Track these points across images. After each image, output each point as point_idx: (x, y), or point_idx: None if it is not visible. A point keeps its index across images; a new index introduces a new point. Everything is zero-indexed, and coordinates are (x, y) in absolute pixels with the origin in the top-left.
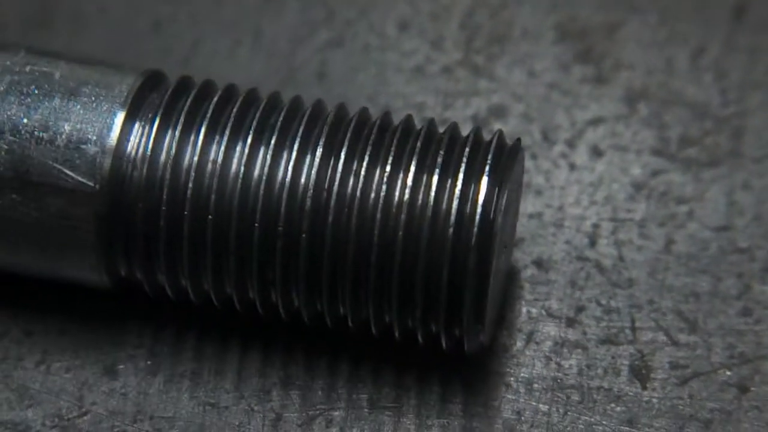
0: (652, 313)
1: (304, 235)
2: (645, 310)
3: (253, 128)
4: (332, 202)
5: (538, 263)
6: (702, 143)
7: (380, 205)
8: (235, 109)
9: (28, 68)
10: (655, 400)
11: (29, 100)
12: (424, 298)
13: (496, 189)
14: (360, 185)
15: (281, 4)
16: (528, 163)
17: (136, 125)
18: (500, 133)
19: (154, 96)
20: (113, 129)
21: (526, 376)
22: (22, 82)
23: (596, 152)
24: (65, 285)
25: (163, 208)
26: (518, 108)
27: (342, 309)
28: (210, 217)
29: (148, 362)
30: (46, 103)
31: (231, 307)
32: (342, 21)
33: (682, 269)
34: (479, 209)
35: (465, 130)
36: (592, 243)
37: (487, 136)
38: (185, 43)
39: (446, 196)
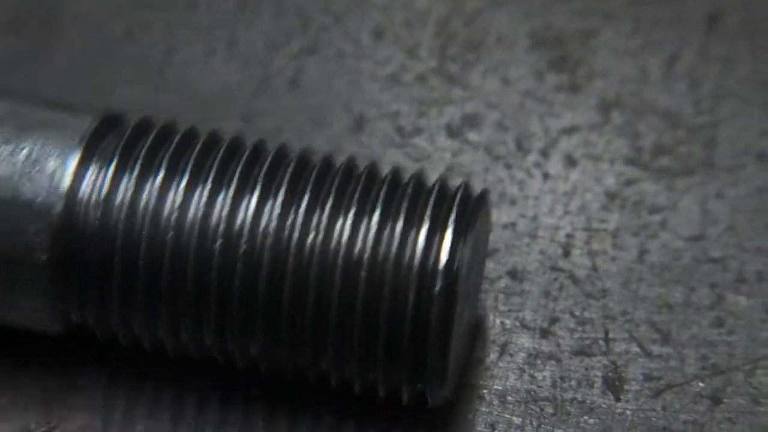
0: (625, 324)
1: (262, 285)
2: (618, 321)
3: (213, 173)
4: (292, 252)
5: (512, 274)
6: (675, 152)
7: (341, 256)
8: (194, 153)
9: None
10: (628, 412)
11: None
12: (385, 353)
13: (460, 241)
14: (321, 235)
15: (256, 12)
16: (502, 173)
17: (91, 168)
18: (465, 184)
19: (111, 138)
20: (67, 172)
21: (500, 388)
22: None
23: (570, 161)
24: (18, 329)
25: (117, 254)
26: (493, 116)
27: (302, 361)
28: (167, 263)
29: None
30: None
31: (187, 355)
32: (316, 29)
33: (655, 279)
34: (442, 261)
35: (440, 139)
36: (566, 253)
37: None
38: (159, 50)
39: (409, 248)
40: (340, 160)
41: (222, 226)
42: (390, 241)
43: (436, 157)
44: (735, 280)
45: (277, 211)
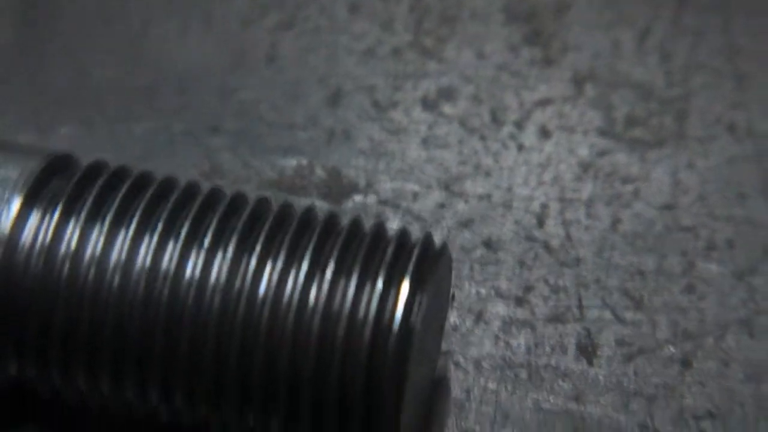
0: (598, 292)
1: (209, 342)
2: (592, 288)
3: (162, 222)
4: (241, 305)
5: (487, 244)
6: (648, 124)
7: (293, 310)
8: (144, 201)
9: None
10: (601, 377)
11: None
12: (337, 414)
13: (417, 295)
14: (273, 288)
15: None
16: (477, 145)
17: (34, 214)
18: (427, 235)
19: (57, 182)
20: (9, 216)
21: (475, 355)
22: None
23: (544, 133)
24: None
25: (59, 305)
26: (468, 89)
27: (250, 421)
28: (111, 317)
29: None
30: None
31: (131, 415)
32: (292, 3)
33: (628, 248)
34: (397, 316)
35: (415, 112)
36: (541, 223)
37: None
38: (135, 25)
39: (364, 302)
40: (297, 203)
41: (169, 279)
42: (344, 296)
43: (412, 130)
44: (706, 247)
45: (227, 263)
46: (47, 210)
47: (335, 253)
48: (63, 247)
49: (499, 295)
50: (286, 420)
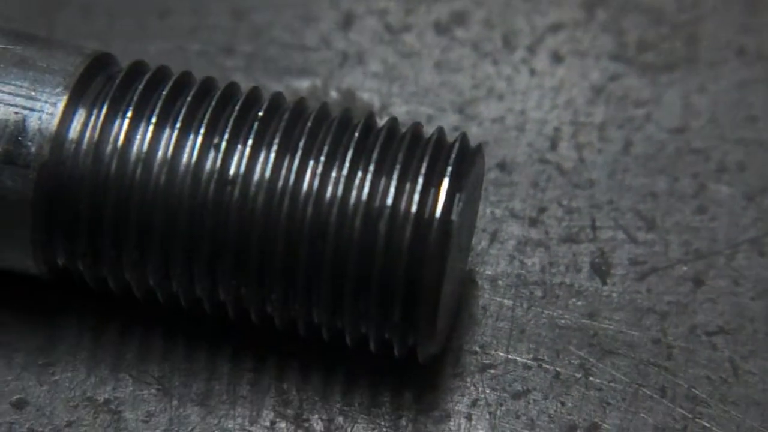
0: (611, 213)
1: (255, 234)
2: (605, 209)
3: (206, 120)
4: (286, 202)
5: (501, 166)
6: (659, 48)
7: (336, 207)
8: (188, 99)
9: None
10: (614, 295)
11: None
12: (378, 306)
13: (456, 194)
14: (316, 185)
15: None
16: (490, 69)
17: (80, 110)
18: (463, 136)
19: (101, 79)
20: (56, 112)
21: (491, 273)
22: None
23: (556, 58)
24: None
25: (108, 198)
26: (479, 14)
27: (293, 312)
28: (159, 209)
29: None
30: None
31: (177, 304)
32: None
33: (640, 170)
34: (437, 214)
35: (428, 36)
36: (554, 146)
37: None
38: None
39: (404, 200)
40: (335, 110)
41: (216, 174)
42: (385, 193)
43: (425, 54)
44: (716, 169)
45: (271, 159)
46: (93, 108)
47: (375, 153)
48: (110, 144)
49: (514, 215)
50: (328, 315)
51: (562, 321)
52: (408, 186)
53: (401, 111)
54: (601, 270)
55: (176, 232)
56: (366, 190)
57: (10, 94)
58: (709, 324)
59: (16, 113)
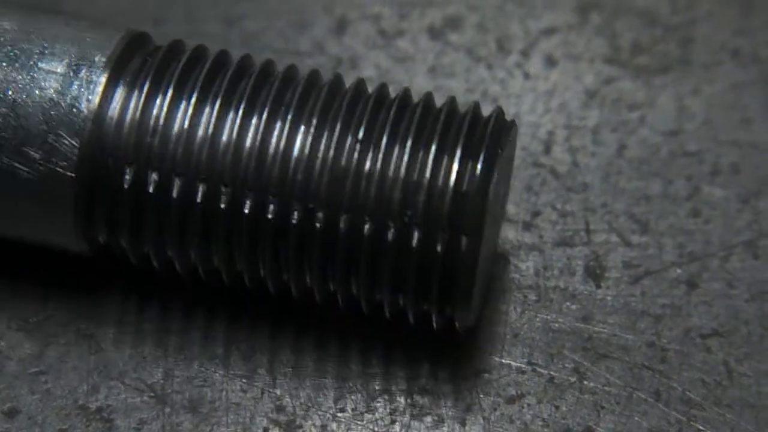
0: (605, 216)
1: (296, 210)
2: (599, 213)
3: (245, 97)
4: (325, 177)
5: None
6: (653, 51)
7: (375, 181)
8: (227, 77)
9: (7, 25)
10: (609, 298)
11: (11, 58)
12: (416, 278)
13: (493, 166)
14: (355, 159)
15: None
16: (484, 73)
17: (121, 88)
18: (499, 110)
19: (139, 58)
20: (97, 89)
21: None
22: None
23: (550, 61)
24: (47, 250)
25: (151, 176)
26: (473, 18)
27: (332, 285)
28: (200, 185)
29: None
30: (26, 62)
31: (219, 280)
32: None
33: (634, 173)
34: (475, 188)
35: (422, 41)
36: (547, 149)
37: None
38: None
39: (442, 173)
40: (371, 86)
41: (255, 150)
42: (424, 166)
43: (419, 59)
44: (710, 172)
45: (309, 136)
46: (134, 85)
47: (413, 127)
48: (152, 120)
49: (508, 219)
50: (367, 288)
51: (556, 325)
52: (445, 159)
53: None
54: (595, 273)
55: (217, 209)
56: (404, 163)
57: (50, 71)
58: (704, 327)
59: (58, 89)
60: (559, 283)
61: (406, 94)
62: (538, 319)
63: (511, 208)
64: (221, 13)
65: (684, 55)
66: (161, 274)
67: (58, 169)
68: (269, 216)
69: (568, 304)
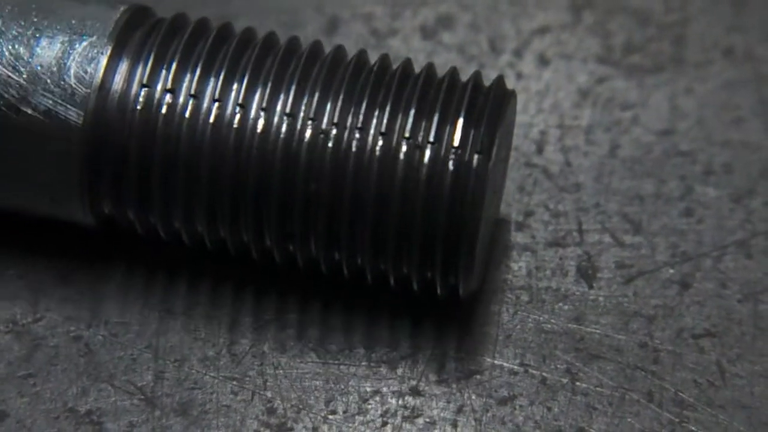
0: (598, 216)
1: (301, 179)
2: (591, 213)
3: (249, 69)
4: (329, 146)
5: None
6: (645, 50)
7: (378, 151)
8: (231, 49)
9: None
10: (601, 299)
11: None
12: (420, 246)
13: (494, 133)
14: (358, 128)
15: None
16: None
17: (125, 60)
18: (500, 78)
19: (142, 31)
20: (101, 63)
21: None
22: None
23: (543, 61)
24: (53, 222)
25: (157, 145)
26: (466, 18)
27: (337, 255)
28: (206, 157)
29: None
30: (30, 35)
31: (224, 250)
32: None
33: (626, 173)
34: (476, 157)
35: (414, 41)
36: (540, 149)
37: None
38: None
39: (445, 140)
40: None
41: (260, 121)
42: (427, 133)
43: (411, 58)
44: (703, 171)
45: (312, 106)
46: (138, 57)
47: (416, 96)
48: (157, 92)
49: (500, 219)
50: (371, 257)
51: (549, 326)
52: (448, 128)
53: None
54: (587, 274)
55: (222, 180)
56: (407, 131)
57: (53, 44)
58: (696, 327)
59: (63, 61)
60: (551, 284)
61: (407, 64)
62: (530, 320)
63: (503, 209)
64: (213, 12)
65: (677, 54)
66: (168, 242)
67: (61, 141)
68: (273, 184)
69: (560, 304)
